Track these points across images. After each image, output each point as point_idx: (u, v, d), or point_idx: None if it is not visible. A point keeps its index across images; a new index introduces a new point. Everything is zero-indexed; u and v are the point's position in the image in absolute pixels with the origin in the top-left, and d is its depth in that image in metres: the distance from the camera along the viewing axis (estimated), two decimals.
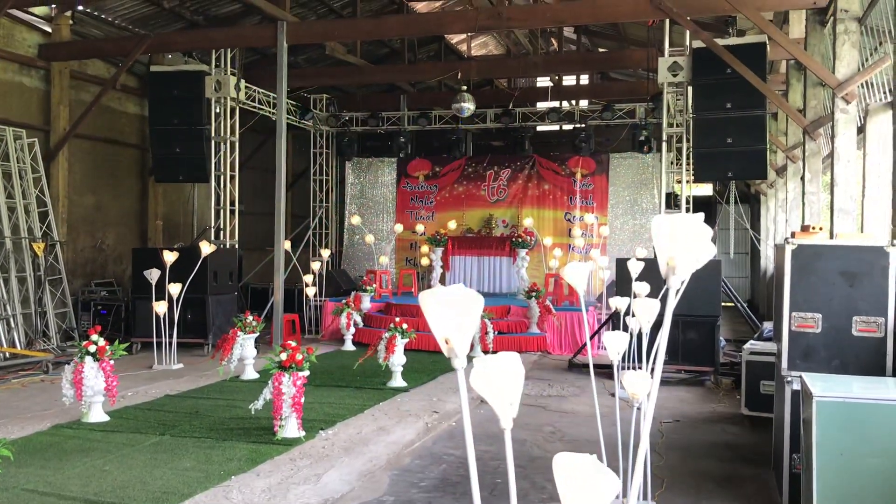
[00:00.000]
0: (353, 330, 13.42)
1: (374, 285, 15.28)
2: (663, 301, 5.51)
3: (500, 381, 2.42)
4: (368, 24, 13.76)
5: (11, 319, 12.19)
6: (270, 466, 6.39)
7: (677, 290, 2.60)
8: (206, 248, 11.82)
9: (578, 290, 5.29)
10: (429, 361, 11.66)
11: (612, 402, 7.65)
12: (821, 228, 5.77)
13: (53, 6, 13.87)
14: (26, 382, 10.10)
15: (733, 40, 11.91)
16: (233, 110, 14.71)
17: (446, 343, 2.39)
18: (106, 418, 7.82)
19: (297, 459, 6.59)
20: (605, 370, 10.37)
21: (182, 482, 5.89)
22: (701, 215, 2.61)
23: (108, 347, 7.78)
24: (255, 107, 15.79)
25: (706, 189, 21.39)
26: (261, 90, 15.94)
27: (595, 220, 16.46)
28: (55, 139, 14.14)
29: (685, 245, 2.55)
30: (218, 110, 14.58)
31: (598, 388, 7.78)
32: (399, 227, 17.75)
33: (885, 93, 9.57)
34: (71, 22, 14.36)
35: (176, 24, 15.66)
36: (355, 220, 18.24)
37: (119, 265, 16.09)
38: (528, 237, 16.50)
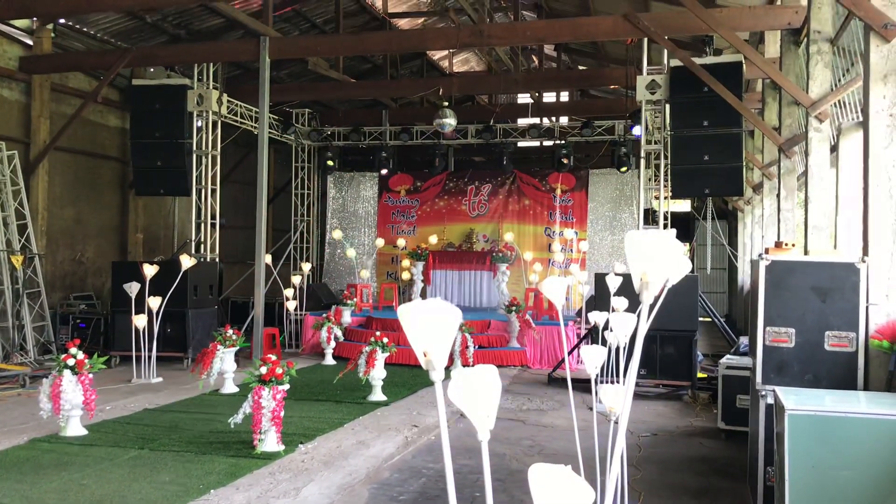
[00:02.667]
0: (333, 344, 13.41)
1: (355, 299, 15.29)
2: (641, 316, 5.60)
3: (478, 394, 2.48)
4: (351, 41, 13.85)
5: None
6: (250, 480, 6.38)
7: (651, 304, 2.68)
8: (187, 262, 11.80)
9: (556, 303, 5.37)
10: (409, 375, 11.69)
11: (590, 415, 7.72)
12: (793, 245, 5.89)
13: (35, 19, 13.84)
14: (3, 396, 10.01)
15: (710, 59, 12.10)
16: (214, 124, 14.71)
17: (425, 356, 2.45)
18: (84, 432, 7.78)
19: (277, 473, 6.60)
20: (584, 384, 10.46)
21: (161, 496, 5.87)
22: (673, 231, 2.70)
23: (86, 361, 7.76)
24: (237, 121, 15.80)
25: (684, 205, 21.62)
26: (243, 104, 15.96)
27: (574, 236, 16.61)
28: (35, 152, 14.08)
29: (658, 260, 2.63)
30: (200, 124, 14.57)
31: (577, 403, 7.81)
32: (380, 242, 17.80)
33: (856, 112, 9.77)
34: (52, 35, 14.34)
35: (158, 38, 15.68)
36: (336, 234, 18.29)
37: (98, 278, 16.00)
38: (509, 252, 16.61)
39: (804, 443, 4.21)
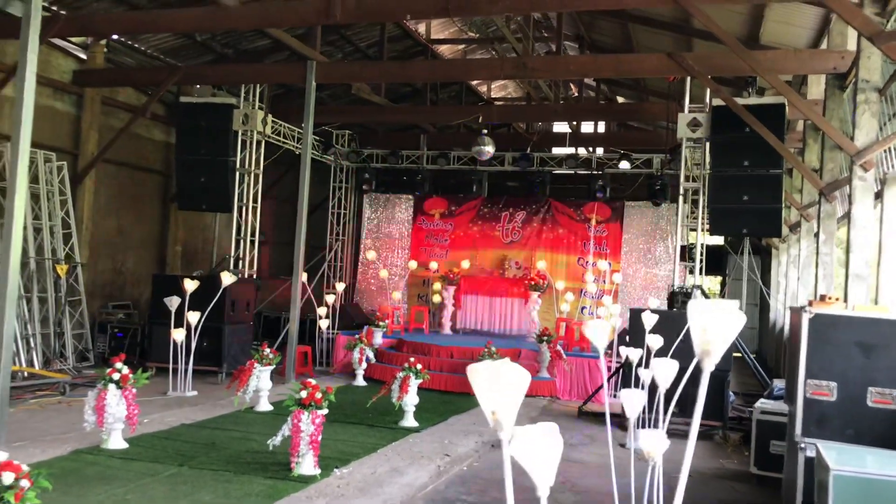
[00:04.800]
0: (364, 365, 13.52)
1: (387, 321, 15.40)
2: (675, 357, 5.67)
3: (540, 452, 2.58)
4: (395, 67, 14.09)
5: (31, 339, 12.38)
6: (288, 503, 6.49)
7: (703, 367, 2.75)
8: (227, 279, 12.01)
9: (599, 347, 5.45)
10: (439, 402, 11.77)
11: (621, 453, 7.74)
12: (837, 299, 5.92)
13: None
14: (44, 403, 10.25)
15: (753, 100, 12.13)
16: (258, 143, 15.00)
17: (493, 415, 2.55)
18: (125, 445, 7.95)
19: (314, 498, 6.70)
20: (614, 419, 10.45)
21: None
22: (736, 303, 2.77)
23: (131, 376, 7.94)
24: (279, 140, 16.07)
25: (718, 239, 21.53)
26: (286, 124, 16.23)
27: (608, 267, 16.59)
28: (83, 163, 14.43)
29: (720, 332, 2.71)
30: (243, 139, 14.86)
31: (607, 439, 7.84)
32: (413, 264, 17.92)
33: None
34: (105, 50, 14.74)
35: (206, 56, 16.04)
36: (370, 254, 18.44)
37: (136, 288, 16.29)
38: (541, 280, 16.62)
39: (848, 503, 4.24)
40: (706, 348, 2.72)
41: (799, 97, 11.06)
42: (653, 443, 5.11)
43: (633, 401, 5.68)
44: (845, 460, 4.49)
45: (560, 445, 2.60)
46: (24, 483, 4.04)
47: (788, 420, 6.62)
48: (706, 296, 13.76)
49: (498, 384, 2.53)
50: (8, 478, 3.95)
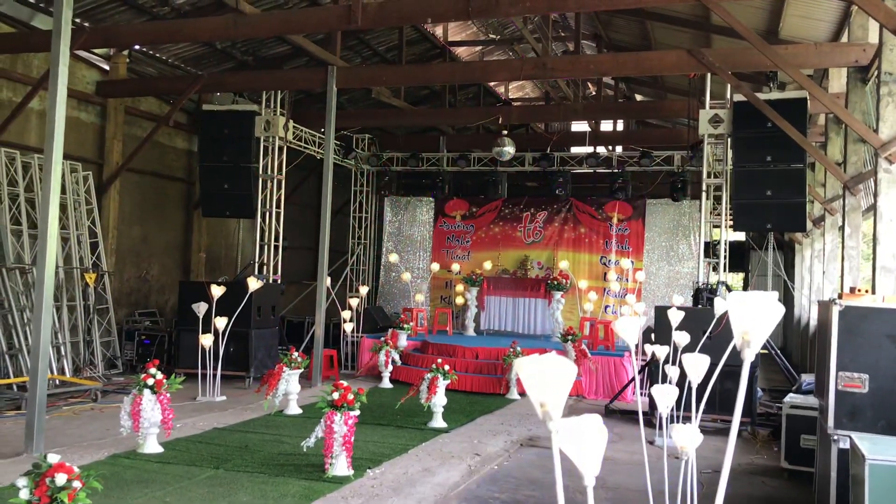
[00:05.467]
0: (391, 367, 13.61)
1: (412, 323, 15.47)
2: (702, 352, 5.71)
3: (585, 443, 2.64)
4: (416, 71, 14.17)
5: (61, 347, 12.57)
6: None
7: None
8: (254, 284, 12.14)
9: (630, 343, 5.49)
10: (466, 402, 11.83)
11: (650, 450, 7.76)
12: (867, 291, 5.92)
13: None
14: (77, 410, 10.41)
15: (774, 95, 12.11)
16: (280, 149, 15.14)
17: (541, 406, 2.61)
18: (160, 450, 8.07)
19: (350, 498, 6.78)
20: (638, 417, 10.45)
21: None
22: (775, 294, 2.81)
23: (165, 381, 8.07)
24: (300, 146, 16.20)
25: (739, 235, 21.44)
26: (306, 129, 16.37)
27: (631, 265, 16.57)
28: (108, 172, 14.64)
29: (761, 322, 2.76)
30: (265, 146, 15.01)
31: (636, 436, 7.90)
32: (435, 266, 17.99)
33: None
34: (127, 60, 14.94)
35: (226, 64, 16.22)
36: (393, 257, 18.55)
37: (162, 296, 16.48)
38: (564, 280, 16.63)
39: (884, 492, 4.26)
40: (746, 338, 2.77)
41: (822, 91, 11.03)
42: (686, 438, 5.13)
43: (664, 397, 5.71)
44: (880, 450, 4.50)
45: (605, 436, 2.65)
46: (76, 484, 4.17)
47: (820, 413, 6.63)
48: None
49: (546, 376, 2.59)
50: (61, 479, 4.08)
